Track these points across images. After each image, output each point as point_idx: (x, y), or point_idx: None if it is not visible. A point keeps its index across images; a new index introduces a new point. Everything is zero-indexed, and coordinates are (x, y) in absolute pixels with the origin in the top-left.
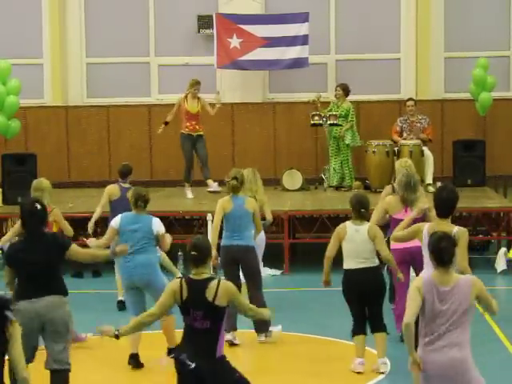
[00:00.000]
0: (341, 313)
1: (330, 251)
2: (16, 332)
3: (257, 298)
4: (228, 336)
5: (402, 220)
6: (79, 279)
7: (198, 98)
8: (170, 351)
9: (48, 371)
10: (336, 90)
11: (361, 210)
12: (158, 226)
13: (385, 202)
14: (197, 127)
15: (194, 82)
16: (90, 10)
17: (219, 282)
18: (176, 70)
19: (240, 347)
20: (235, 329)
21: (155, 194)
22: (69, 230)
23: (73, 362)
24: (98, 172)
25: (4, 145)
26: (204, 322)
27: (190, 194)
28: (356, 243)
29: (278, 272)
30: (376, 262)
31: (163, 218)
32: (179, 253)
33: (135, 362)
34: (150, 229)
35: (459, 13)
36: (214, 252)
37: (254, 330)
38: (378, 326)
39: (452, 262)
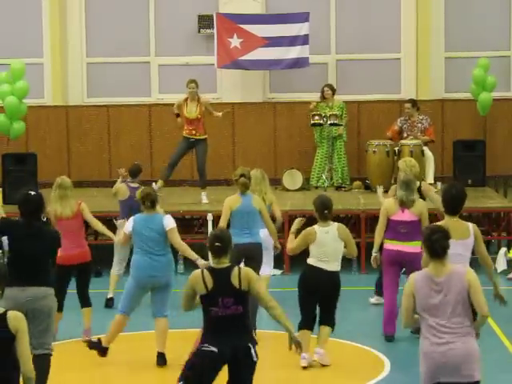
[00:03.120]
0: (340, 312)
1: (294, 250)
2: (22, 327)
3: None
4: None
5: (398, 221)
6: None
7: (198, 101)
8: (161, 356)
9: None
10: (325, 91)
11: (324, 212)
12: (167, 221)
13: (384, 204)
14: (193, 132)
15: (187, 82)
16: (91, 9)
17: (239, 268)
18: (176, 69)
19: None
20: (255, 328)
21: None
22: (98, 226)
23: (72, 362)
24: (99, 172)
25: (5, 144)
26: (237, 308)
27: (155, 186)
28: (327, 246)
29: (278, 272)
30: (339, 267)
31: None
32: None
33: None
34: (162, 227)
35: (460, 13)
36: None
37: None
38: (327, 320)
39: (446, 254)
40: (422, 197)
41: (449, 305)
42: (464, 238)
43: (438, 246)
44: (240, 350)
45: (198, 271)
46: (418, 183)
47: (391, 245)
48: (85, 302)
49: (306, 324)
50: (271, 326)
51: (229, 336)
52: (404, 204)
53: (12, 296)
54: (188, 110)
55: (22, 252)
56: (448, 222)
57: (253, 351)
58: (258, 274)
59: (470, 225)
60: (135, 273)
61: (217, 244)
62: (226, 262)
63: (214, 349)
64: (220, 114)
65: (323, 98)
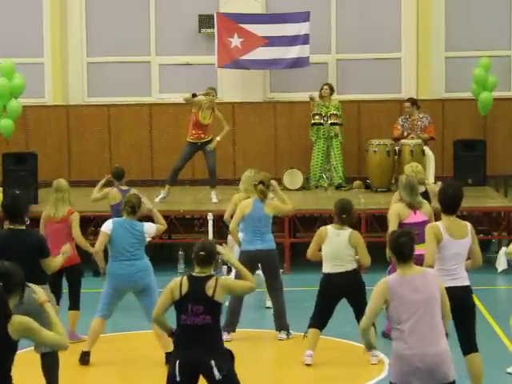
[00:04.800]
0: (341, 312)
1: (311, 253)
2: (29, 330)
3: (278, 299)
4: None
5: (413, 223)
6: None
7: (213, 110)
8: (168, 355)
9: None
10: (323, 89)
11: (342, 216)
12: (148, 229)
13: (395, 210)
14: (202, 135)
15: (209, 89)
16: (91, 9)
17: (217, 279)
18: (177, 69)
19: (239, 345)
20: (234, 330)
21: (156, 194)
22: (80, 240)
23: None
24: (99, 171)
25: (5, 144)
26: (205, 317)
27: (159, 197)
28: (335, 247)
29: None
30: (353, 266)
31: (164, 218)
32: (180, 252)
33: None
34: (141, 232)
35: (460, 12)
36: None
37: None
38: None
39: (412, 257)
40: (427, 199)
41: (425, 303)
42: (464, 237)
43: (405, 249)
44: (201, 366)
45: (178, 278)
46: (422, 188)
47: None
48: (73, 305)
49: (318, 323)
50: (272, 325)
51: (192, 349)
52: (414, 207)
53: None
54: (203, 115)
55: (7, 256)
56: (446, 221)
57: (215, 370)
58: (277, 279)
59: (469, 224)
60: (112, 279)
61: (201, 253)
62: (206, 273)
63: (177, 376)
64: (218, 139)
65: (321, 96)
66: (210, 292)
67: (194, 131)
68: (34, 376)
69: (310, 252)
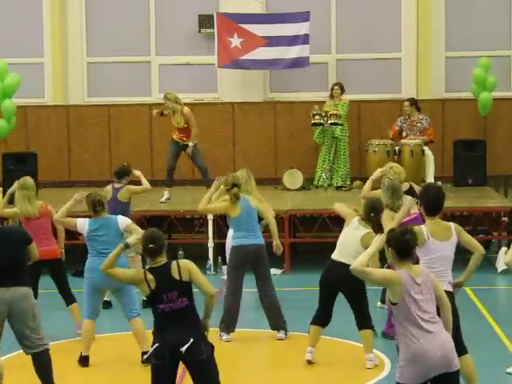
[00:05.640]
0: (341, 312)
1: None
2: None
3: (271, 298)
4: (226, 336)
5: (408, 222)
6: (77, 278)
7: (181, 112)
8: (145, 354)
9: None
10: (334, 90)
11: (370, 214)
12: (123, 221)
13: (387, 213)
14: (184, 138)
15: (164, 97)
16: (91, 9)
17: (177, 261)
18: (177, 69)
19: (239, 345)
20: (233, 330)
21: (156, 194)
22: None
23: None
24: (99, 171)
25: (4, 144)
26: (182, 300)
27: (163, 197)
28: (347, 236)
29: (278, 271)
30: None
31: (164, 218)
32: (180, 252)
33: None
34: (117, 228)
35: (460, 12)
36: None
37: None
38: (364, 323)
39: (412, 255)
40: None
41: (429, 303)
42: (447, 238)
43: (410, 246)
44: (181, 345)
45: (141, 271)
46: (407, 186)
47: None
48: (67, 299)
49: (319, 320)
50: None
51: (172, 332)
52: (393, 210)
53: None
54: (175, 120)
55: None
56: (429, 224)
57: (199, 346)
58: (268, 274)
59: (452, 224)
60: (88, 275)
61: (150, 246)
62: (162, 260)
63: (159, 359)
64: (191, 144)
65: (332, 96)
66: (176, 275)
67: (176, 132)
68: (30, 379)
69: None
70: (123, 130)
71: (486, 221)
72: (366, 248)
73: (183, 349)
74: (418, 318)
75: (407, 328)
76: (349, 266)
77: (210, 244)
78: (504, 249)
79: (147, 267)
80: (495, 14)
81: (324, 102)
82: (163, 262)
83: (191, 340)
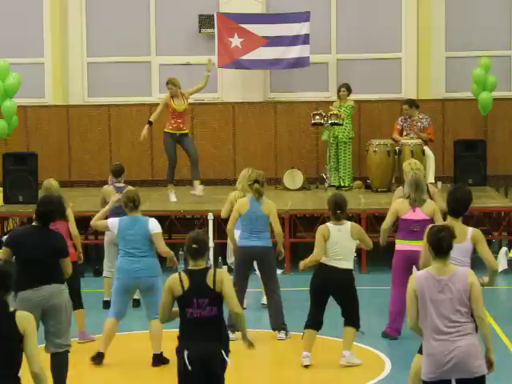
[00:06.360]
0: (340, 313)
1: (319, 255)
2: (31, 327)
3: (274, 298)
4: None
5: (411, 220)
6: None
7: (182, 94)
8: (156, 357)
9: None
10: (341, 91)
11: (337, 212)
12: (152, 227)
13: (394, 206)
14: (181, 125)
15: (166, 81)
16: (91, 9)
17: (215, 270)
18: (177, 69)
19: (239, 345)
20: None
21: (156, 194)
22: (76, 234)
23: (76, 362)
24: (99, 171)
25: (5, 144)
26: (212, 309)
27: (173, 197)
28: (340, 243)
29: (278, 271)
30: (350, 265)
31: (164, 218)
32: (180, 252)
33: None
34: (147, 230)
35: (460, 12)
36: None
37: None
38: (349, 320)
39: (450, 253)
40: (430, 197)
41: (452, 303)
42: (460, 241)
43: (444, 243)
44: (212, 356)
45: (175, 274)
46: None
47: (406, 245)
48: (76, 303)
49: (312, 323)
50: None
51: (199, 342)
52: (416, 203)
53: (26, 298)
54: (177, 104)
55: (31, 255)
56: (449, 224)
57: (223, 359)
58: (273, 274)
59: (470, 229)
60: (118, 275)
61: (194, 246)
62: (202, 265)
63: (188, 366)
64: (205, 77)
65: (339, 97)
66: (210, 283)
67: (172, 121)
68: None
69: (319, 255)
70: (123, 130)
71: (486, 221)
72: (360, 237)
73: (213, 361)
74: (435, 319)
75: (424, 324)
76: (342, 270)
77: (211, 244)
78: (504, 249)
79: (183, 269)
80: (495, 14)
81: (331, 102)
82: (202, 267)
83: (222, 352)
